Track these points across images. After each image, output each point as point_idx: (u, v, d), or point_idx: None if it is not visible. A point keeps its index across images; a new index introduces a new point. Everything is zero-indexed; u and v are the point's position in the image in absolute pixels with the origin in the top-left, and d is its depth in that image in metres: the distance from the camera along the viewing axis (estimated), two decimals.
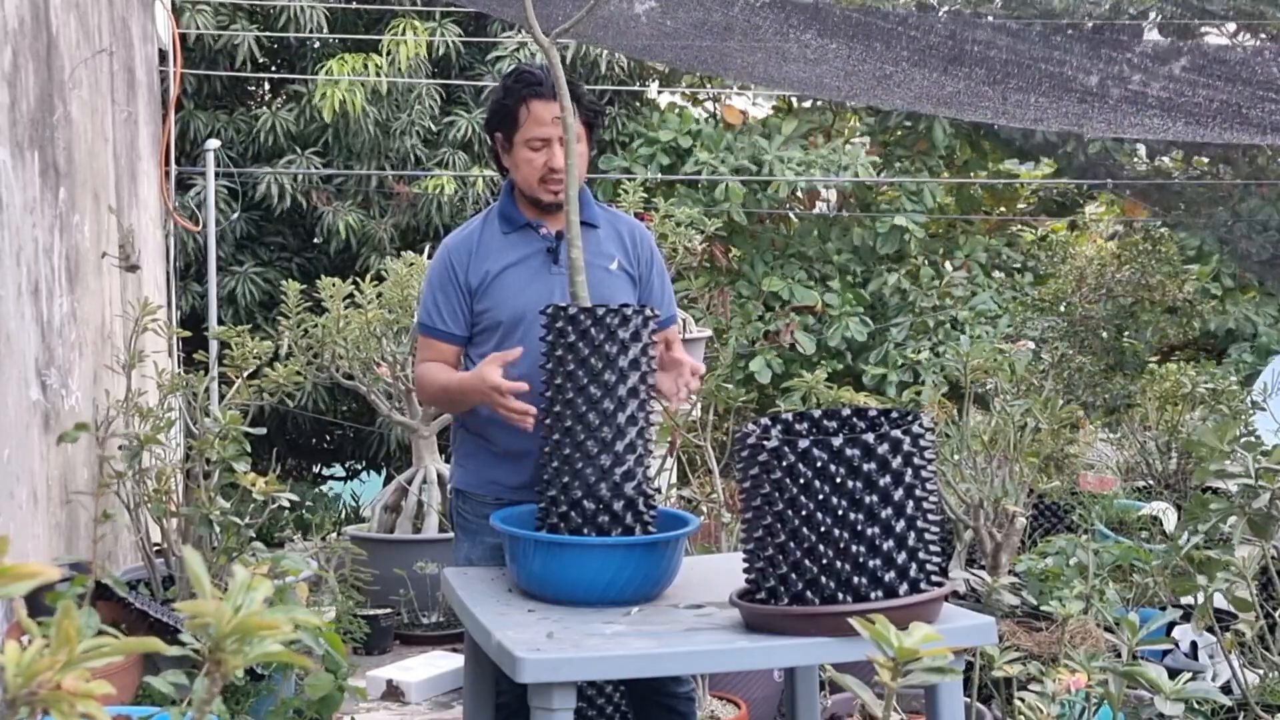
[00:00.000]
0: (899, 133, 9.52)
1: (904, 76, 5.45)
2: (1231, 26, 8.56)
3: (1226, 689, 3.38)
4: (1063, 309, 7.64)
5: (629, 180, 5.92)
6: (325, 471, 8.74)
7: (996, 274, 9.31)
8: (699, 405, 4.67)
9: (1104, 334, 7.58)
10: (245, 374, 4.51)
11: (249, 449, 3.89)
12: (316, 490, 8.02)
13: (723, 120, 9.42)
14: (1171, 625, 3.84)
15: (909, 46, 5.03)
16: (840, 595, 2.15)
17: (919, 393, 4.81)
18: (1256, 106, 4.94)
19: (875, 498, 2.16)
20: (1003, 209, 10.42)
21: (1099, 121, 6.00)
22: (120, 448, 3.86)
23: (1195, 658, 3.84)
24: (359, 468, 8.51)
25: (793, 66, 5.79)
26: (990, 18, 4.81)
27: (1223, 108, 5.13)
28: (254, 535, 3.86)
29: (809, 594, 2.17)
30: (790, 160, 8.63)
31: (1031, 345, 7.34)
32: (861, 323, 8.80)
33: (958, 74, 5.25)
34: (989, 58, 5.02)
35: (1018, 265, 9.58)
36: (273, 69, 8.06)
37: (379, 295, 5.45)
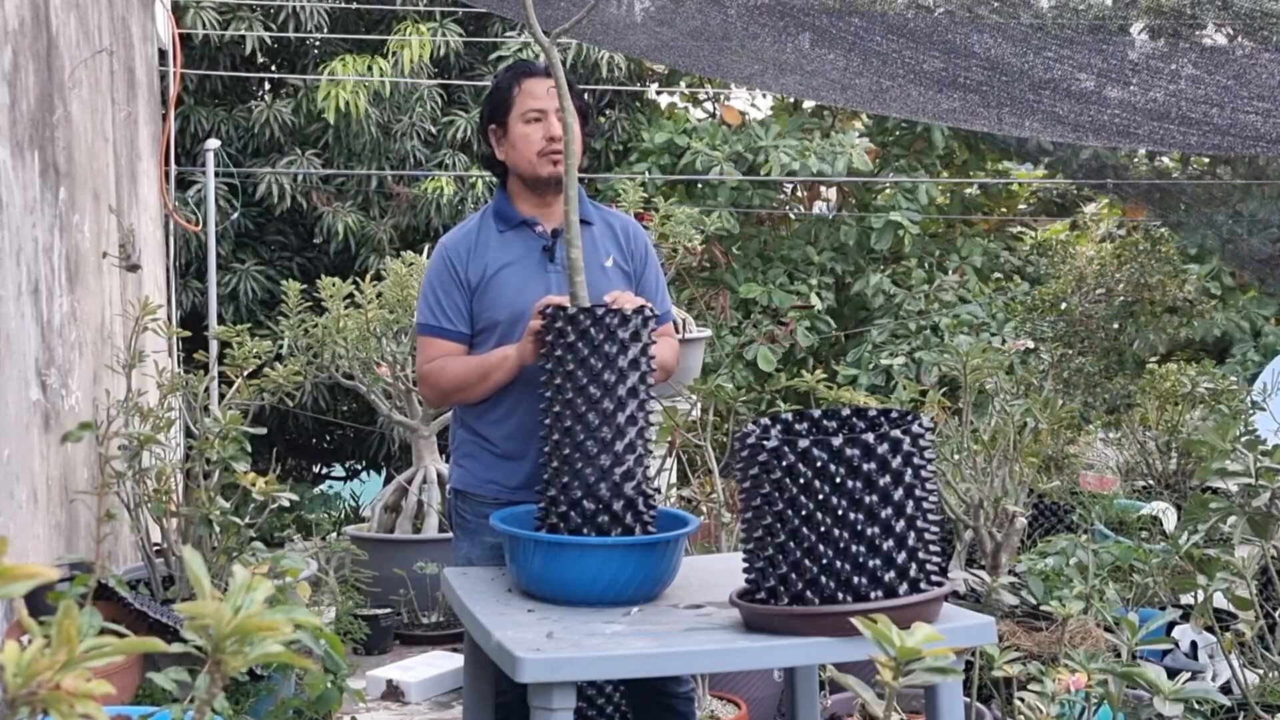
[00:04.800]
0: (897, 133, 9.49)
1: (900, 91, 5.45)
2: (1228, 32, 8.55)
3: (1226, 689, 3.38)
4: (1062, 309, 7.63)
5: (629, 181, 5.92)
6: (325, 471, 8.74)
7: (993, 278, 9.20)
8: (699, 405, 4.67)
9: (1103, 334, 7.57)
10: (245, 374, 4.51)
11: (249, 449, 3.89)
12: (316, 490, 8.02)
13: (722, 120, 9.40)
14: (1171, 625, 3.84)
15: (903, 66, 5.02)
16: (840, 595, 2.15)
17: (922, 392, 4.80)
18: (1252, 112, 4.95)
19: (875, 498, 2.15)
20: (1003, 210, 10.41)
21: (1093, 139, 6.02)
22: (120, 448, 3.86)
23: (1195, 658, 3.84)
24: (359, 468, 8.51)
25: (790, 78, 5.79)
26: (980, 43, 4.77)
27: (1219, 116, 5.13)
28: (254, 535, 3.86)
29: (809, 594, 2.16)
30: (786, 148, 8.40)
31: (1029, 344, 7.33)
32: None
33: (953, 95, 5.26)
34: (982, 84, 5.02)
35: (1015, 269, 9.48)
36: (273, 68, 8.06)
37: (379, 295, 5.45)
